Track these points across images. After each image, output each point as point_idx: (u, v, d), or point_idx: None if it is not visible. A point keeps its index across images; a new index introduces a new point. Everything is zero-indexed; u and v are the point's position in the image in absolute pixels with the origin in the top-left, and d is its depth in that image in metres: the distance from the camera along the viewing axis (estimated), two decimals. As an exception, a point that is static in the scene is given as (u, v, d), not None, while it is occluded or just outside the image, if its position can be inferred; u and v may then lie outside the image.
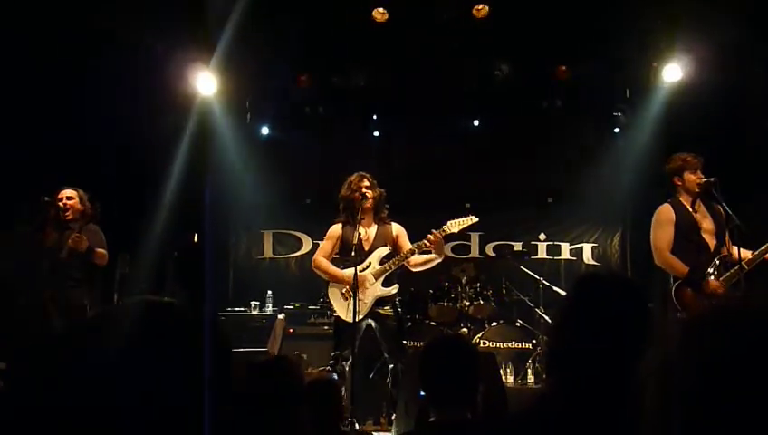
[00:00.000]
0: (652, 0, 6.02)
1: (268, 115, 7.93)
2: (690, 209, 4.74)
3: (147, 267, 6.62)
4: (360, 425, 4.94)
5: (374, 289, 4.99)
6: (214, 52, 6.38)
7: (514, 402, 4.25)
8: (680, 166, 4.79)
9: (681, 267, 4.60)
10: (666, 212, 4.77)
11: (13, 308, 5.15)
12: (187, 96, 6.71)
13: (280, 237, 8.20)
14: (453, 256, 7.58)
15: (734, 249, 4.56)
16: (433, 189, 7.77)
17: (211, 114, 7.00)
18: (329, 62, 7.14)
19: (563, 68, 6.91)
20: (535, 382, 6.05)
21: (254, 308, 7.03)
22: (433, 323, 6.47)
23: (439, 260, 5.07)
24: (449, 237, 5.16)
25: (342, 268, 5.10)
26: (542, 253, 7.99)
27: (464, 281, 6.59)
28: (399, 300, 5.19)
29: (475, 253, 7.92)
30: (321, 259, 5.18)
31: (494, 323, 6.48)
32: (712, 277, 4.58)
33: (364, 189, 5.03)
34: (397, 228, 5.18)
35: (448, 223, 4.99)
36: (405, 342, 5.84)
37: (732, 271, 4.55)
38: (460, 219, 5.02)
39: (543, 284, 6.55)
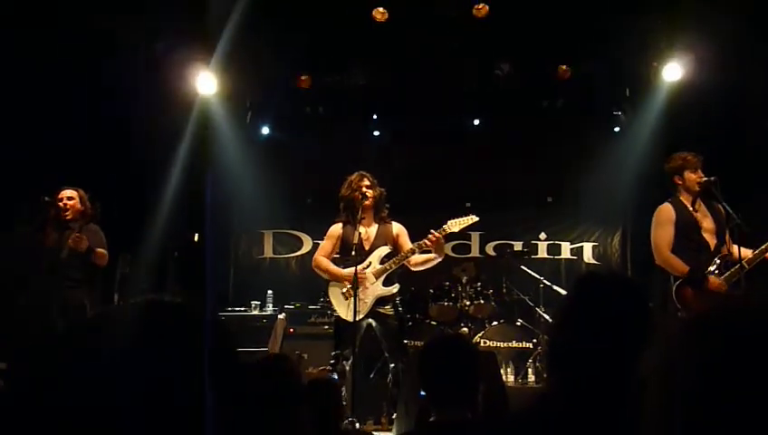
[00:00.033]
0: (652, -1, 6.03)
1: (268, 115, 7.93)
2: (690, 208, 4.74)
3: (147, 267, 6.62)
4: (360, 425, 4.93)
5: (374, 288, 4.99)
6: (214, 51, 6.38)
7: (515, 402, 4.24)
8: (680, 165, 4.79)
9: (681, 267, 4.60)
10: (666, 211, 4.77)
11: (13, 308, 5.15)
12: (187, 96, 6.71)
13: (280, 237, 8.20)
14: (453, 255, 7.58)
15: (735, 248, 4.56)
16: (433, 189, 7.76)
17: (211, 114, 7.00)
18: (329, 62, 7.14)
19: (564, 67, 6.91)
20: (536, 382, 6.04)
21: (255, 308, 7.03)
22: (433, 323, 6.47)
23: (439, 260, 5.07)
24: (450, 237, 5.16)
25: (343, 268, 5.10)
26: (542, 252, 7.99)
27: (464, 280, 6.58)
28: (400, 299, 5.20)
29: (475, 252, 7.92)
30: (321, 258, 5.18)
31: (495, 323, 6.48)
32: (712, 276, 4.58)
33: (364, 189, 5.03)
34: (397, 228, 5.18)
35: (449, 222, 4.99)
36: (405, 341, 5.84)
37: (732, 270, 4.55)
38: (460, 219, 5.02)
39: (544, 283, 6.55)
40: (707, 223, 4.74)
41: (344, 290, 5.01)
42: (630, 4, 6.08)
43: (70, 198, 5.32)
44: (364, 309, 4.94)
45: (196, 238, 7.25)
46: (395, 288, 5.06)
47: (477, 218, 5.06)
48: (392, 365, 5.04)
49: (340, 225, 5.17)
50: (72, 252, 5.13)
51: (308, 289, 7.00)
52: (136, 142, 6.36)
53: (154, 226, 6.70)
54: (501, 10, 6.33)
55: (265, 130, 8.01)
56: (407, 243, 5.10)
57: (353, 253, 4.88)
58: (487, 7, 6.26)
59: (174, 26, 6.06)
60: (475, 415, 2.27)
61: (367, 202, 5.02)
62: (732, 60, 5.98)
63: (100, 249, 5.29)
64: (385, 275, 5.01)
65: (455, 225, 4.98)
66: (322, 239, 5.36)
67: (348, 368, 5.02)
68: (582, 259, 8.02)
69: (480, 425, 2.24)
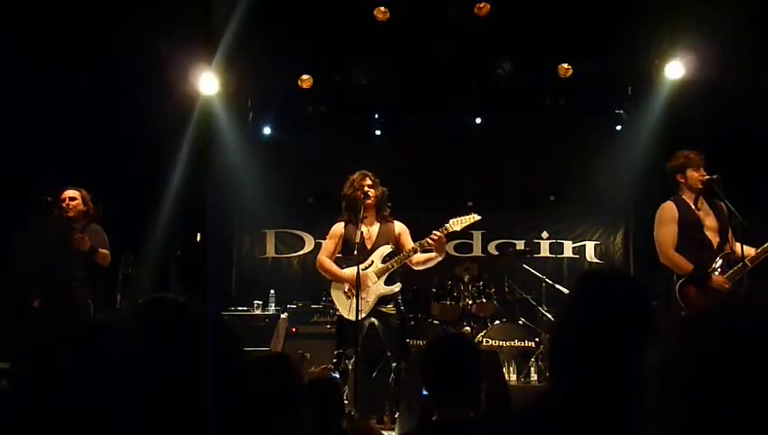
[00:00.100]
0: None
1: (270, 114, 7.94)
2: (693, 207, 4.73)
3: (150, 267, 6.64)
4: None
5: (376, 288, 4.99)
6: (216, 51, 6.39)
7: (517, 401, 4.24)
8: (683, 163, 4.78)
9: (686, 265, 4.59)
10: (669, 210, 4.76)
11: (23, 308, 5.16)
12: (189, 96, 6.72)
13: (282, 237, 8.20)
14: (455, 254, 7.58)
15: (737, 246, 4.55)
16: (435, 188, 7.77)
17: (213, 114, 7.01)
18: (330, 62, 7.14)
19: (565, 66, 6.90)
20: (538, 381, 6.04)
21: (257, 307, 7.04)
22: (436, 322, 6.47)
23: (440, 259, 5.07)
24: (452, 236, 5.16)
25: (345, 267, 5.09)
26: (544, 251, 7.98)
27: (466, 279, 6.58)
28: (402, 298, 5.19)
29: (477, 251, 7.92)
30: (324, 259, 5.18)
31: (497, 322, 6.48)
32: (715, 275, 4.58)
33: (366, 188, 5.03)
34: (399, 227, 5.18)
35: (451, 221, 4.99)
36: (407, 340, 5.84)
37: (735, 268, 4.54)
38: (462, 217, 5.02)
39: (546, 282, 6.55)
40: (710, 221, 4.73)
41: (346, 289, 5.01)
42: (632, 2, 6.07)
43: (72, 199, 5.32)
44: (366, 308, 4.94)
45: (198, 238, 7.26)
46: (397, 287, 5.06)
47: (479, 217, 5.05)
48: (394, 364, 5.03)
49: (342, 224, 5.17)
50: (75, 252, 5.14)
51: (310, 288, 7.00)
52: (138, 142, 6.38)
53: (156, 226, 6.72)
54: (502, 9, 6.33)
55: (267, 130, 8.01)
56: (408, 242, 5.09)
57: (355, 252, 4.88)
58: (488, 6, 6.26)
59: (176, 26, 6.06)
60: (478, 414, 2.26)
61: (369, 201, 5.02)
62: (734, 57, 5.97)
63: (102, 249, 5.29)
64: (387, 274, 5.01)
65: (456, 223, 4.98)
66: (324, 239, 5.36)
67: (350, 367, 5.02)
68: (585, 258, 8.01)
69: (482, 424, 2.24)
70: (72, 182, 5.41)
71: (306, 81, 7.15)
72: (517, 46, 6.84)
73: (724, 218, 4.68)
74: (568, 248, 8.02)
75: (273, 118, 7.96)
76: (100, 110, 6.15)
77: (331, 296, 5.21)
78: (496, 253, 7.80)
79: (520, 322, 6.51)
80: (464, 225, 5.01)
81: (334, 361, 5.04)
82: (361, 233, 4.94)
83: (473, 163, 7.94)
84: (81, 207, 5.32)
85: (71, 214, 5.27)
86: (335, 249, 5.19)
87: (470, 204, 6.40)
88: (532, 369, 6.14)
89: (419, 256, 5.03)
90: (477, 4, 6.28)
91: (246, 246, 8.21)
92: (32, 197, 5.29)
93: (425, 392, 2.41)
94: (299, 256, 8.11)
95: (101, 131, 6.23)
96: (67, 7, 5.65)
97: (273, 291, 7.17)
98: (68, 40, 5.74)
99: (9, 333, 4.97)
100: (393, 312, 5.05)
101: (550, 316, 6.22)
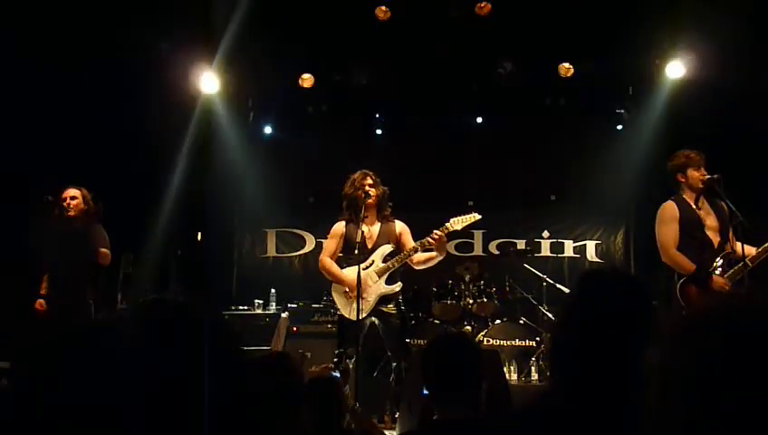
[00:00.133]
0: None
1: (271, 114, 7.94)
2: (694, 206, 4.73)
3: (150, 267, 6.64)
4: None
5: (377, 287, 4.99)
6: (217, 51, 6.39)
7: (518, 400, 4.24)
8: (683, 163, 4.78)
9: (688, 265, 4.59)
10: (669, 209, 4.76)
11: (23, 308, 5.17)
12: (190, 95, 6.72)
13: (283, 236, 8.20)
14: (456, 253, 7.58)
15: (738, 246, 4.54)
16: (436, 187, 7.77)
17: (214, 113, 7.02)
18: (331, 61, 7.14)
19: (566, 66, 6.90)
20: (539, 380, 6.04)
21: (258, 307, 7.03)
22: (436, 321, 6.47)
23: (441, 258, 5.07)
24: (452, 235, 5.16)
25: (346, 266, 5.10)
26: (545, 250, 7.98)
27: (467, 279, 6.57)
28: (403, 298, 5.19)
29: (478, 250, 7.91)
30: (326, 260, 5.18)
31: (498, 321, 6.48)
32: (716, 274, 4.57)
33: (367, 187, 5.03)
34: (400, 226, 5.18)
35: (451, 220, 4.99)
36: (408, 340, 5.84)
37: (736, 268, 4.54)
38: (463, 217, 5.02)
39: (547, 281, 6.55)
40: (711, 221, 4.73)
41: (347, 289, 5.01)
42: (632, 2, 6.07)
43: (73, 198, 5.33)
44: (367, 308, 4.94)
45: (199, 238, 7.26)
46: (398, 286, 5.06)
47: (480, 217, 5.05)
48: (395, 364, 5.04)
49: (343, 223, 5.17)
50: (76, 252, 5.14)
51: (311, 288, 7.01)
52: (139, 142, 6.38)
53: (157, 225, 6.73)
54: (503, 8, 6.32)
55: (268, 130, 8.01)
56: (409, 241, 5.09)
57: (356, 251, 4.88)
58: (489, 5, 6.26)
59: (176, 26, 6.06)
60: (478, 413, 2.26)
61: (370, 201, 5.02)
62: (735, 56, 5.97)
63: (103, 249, 5.30)
64: (388, 273, 5.01)
65: (457, 223, 4.98)
66: (325, 238, 5.37)
67: (351, 366, 5.02)
68: (585, 257, 8.01)
69: (483, 423, 2.24)
70: (72, 182, 5.42)
71: (307, 80, 7.15)
72: (518, 46, 6.84)
73: (724, 218, 4.67)
74: (569, 248, 8.02)
75: (274, 117, 7.96)
76: (101, 110, 6.15)
77: (331, 296, 5.21)
78: (497, 252, 7.80)
79: (521, 321, 6.51)
80: (464, 224, 5.01)
81: (335, 360, 5.04)
82: (362, 232, 4.94)
83: (473, 163, 7.94)
84: (82, 206, 5.33)
85: (71, 213, 5.28)
86: (336, 249, 5.19)
87: (471, 203, 6.40)
88: (533, 368, 6.13)
89: (420, 256, 5.03)
90: (478, 4, 6.29)
91: (247, 246, 8.22)
92: (32, 197, 5.28)
93: (425, 392, 2.41)
94: (300, 255, 8.12)
95: (102, 131, 6.23)
96: (67, 7, 5.65)
97: (273, 290, 7.17)
98: (68, 40, 5.74)
99: (9, 333, 4.97)
100: (394, 311, 5.05)
101: (550, 316, 6.22)
